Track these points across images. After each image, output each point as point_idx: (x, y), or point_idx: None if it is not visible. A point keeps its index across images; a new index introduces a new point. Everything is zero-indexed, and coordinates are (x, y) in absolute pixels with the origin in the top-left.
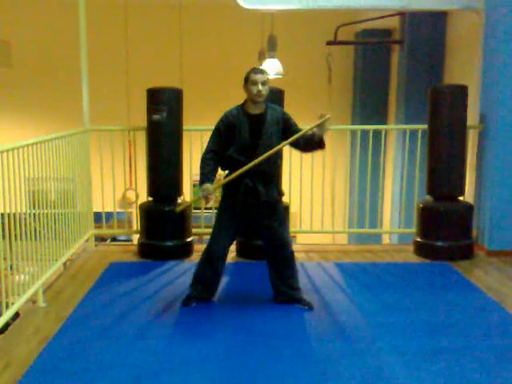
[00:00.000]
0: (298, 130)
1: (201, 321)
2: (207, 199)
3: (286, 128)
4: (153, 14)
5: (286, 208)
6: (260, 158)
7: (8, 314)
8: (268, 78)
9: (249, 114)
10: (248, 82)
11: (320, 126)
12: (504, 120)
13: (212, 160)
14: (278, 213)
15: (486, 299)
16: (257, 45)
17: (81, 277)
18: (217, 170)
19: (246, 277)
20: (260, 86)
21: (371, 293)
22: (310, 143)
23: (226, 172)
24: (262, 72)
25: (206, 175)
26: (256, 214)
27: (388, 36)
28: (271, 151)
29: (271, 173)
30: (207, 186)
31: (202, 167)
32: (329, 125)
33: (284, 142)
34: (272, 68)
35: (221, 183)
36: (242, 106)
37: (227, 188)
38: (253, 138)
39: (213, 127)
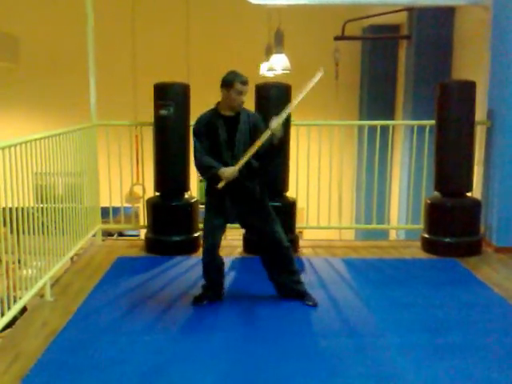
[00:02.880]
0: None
1: (207, 316)
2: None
3: (254, 134)
4: (160, 9)
5: (292, 204)
6: (249, 154)
7: (16, 308)
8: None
9: (223, 115)
10: (232, 89)
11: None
12: None
13: (207, 154)
14: (264, 209)
15: (493, 296)
16: (264, 40)
17: (88, 271)
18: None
19: (253, 272)
20: (244, 98)
21: (378, 289)
22: (269, 149)
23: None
24: (248, 82)
25: (213, 163)
26: (241, 210)
27: (395, 31)
28: (250, 152)
29: (249, 169)
30: (227, 169)
31: (203, 160)
32: (276, 130)
33: (254, 147)
34: (279, 63)
35: (241, 163)
36: (216, 109)
37: (210, 186)
38: (230, 139)
39: None
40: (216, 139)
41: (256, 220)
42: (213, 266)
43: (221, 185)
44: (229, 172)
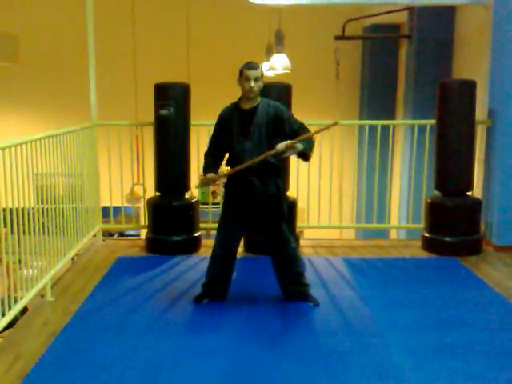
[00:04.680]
0: (294, 129)
1: (209, 316)
2: (210, 183)
3: (280, 125)
4: (160, 8)
5: (293, 204)
6: (261, 157)
7: (16, 308)
8: (262, 74)
9: (241, 108)
10: (241, 77)
11: (289, 146)
12: None
13: (213, 154)
14: (278, 208)
15: (493, 295)
16: (264, 40)
17: (89, 271)
18: (218, 162)
19: (254, 272)
20: (252, 83)
21: (379, 288)
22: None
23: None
24: (256, 68)
25: (208, 165)
26: (257, 209)
27: (396, 31)
28: (263, 155)
29: (265, 168)
30: (210, 174)
31: (205, 160)
32: (295, 148)
33: (269, 152)
34: (279, 63)
35: (222, 175)
36: (237, 102)
37: (228, 186)
38: (244, 132)
39: None
40: (230, 133)
41: (265, 216)
42: (222, 260)
43: (197, 186)
44: (207, 178)
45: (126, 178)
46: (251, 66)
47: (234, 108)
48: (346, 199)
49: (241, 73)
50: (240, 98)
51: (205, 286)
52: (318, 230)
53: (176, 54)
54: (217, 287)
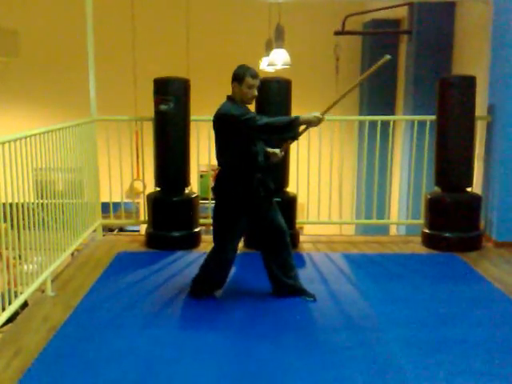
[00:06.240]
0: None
1: (208, 311)
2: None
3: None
4: (160, 3)
5: (292, 199)
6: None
7: (17, 303)
8: None
9: None
10: (243, 83)
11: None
12: None
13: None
14: (274, 202)
15: (493, 290)
16: (264, 35)
17: (89, 266)
18: None
19: (253, 268)
20: (255, 91)
21: (378, 284)
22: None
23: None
24: (258, 77)
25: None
26: (260, 205)
27: (396, 26)
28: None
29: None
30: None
31: (274, 119)
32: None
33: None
34: (279, 58)
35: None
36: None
37: (238, 186)
38: None
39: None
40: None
41: (267, 208)
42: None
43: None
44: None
45: (125, 174)
46: (256, 74)
47: None
48: (345, 195)
49: (242, 78)
50: (234, 101)
51: (209, 286)
52: (318, 226)
53: (175, 48)
54: (217, 286)
